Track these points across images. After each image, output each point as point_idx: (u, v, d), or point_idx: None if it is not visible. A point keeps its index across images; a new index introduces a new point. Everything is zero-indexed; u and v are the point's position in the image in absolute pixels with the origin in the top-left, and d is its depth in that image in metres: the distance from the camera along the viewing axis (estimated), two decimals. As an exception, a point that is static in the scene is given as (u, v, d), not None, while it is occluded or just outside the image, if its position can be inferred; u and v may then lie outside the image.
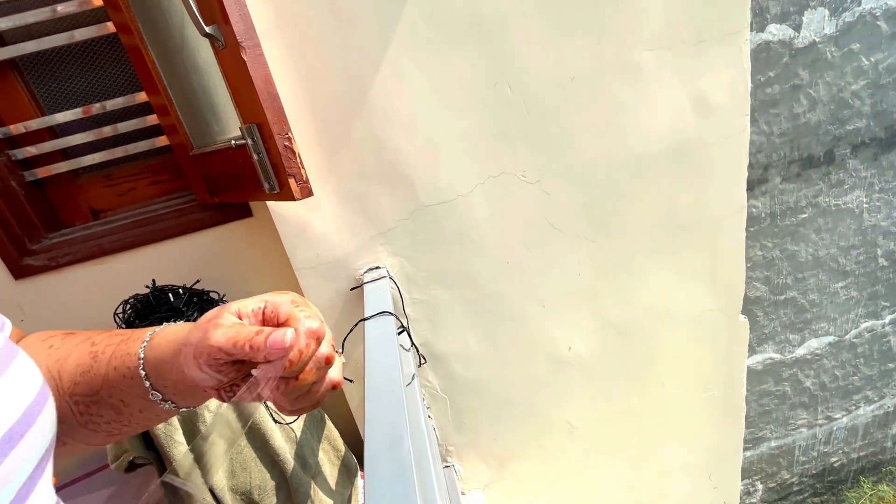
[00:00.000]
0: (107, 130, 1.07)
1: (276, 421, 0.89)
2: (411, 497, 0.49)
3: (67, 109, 1.05)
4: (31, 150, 1.05)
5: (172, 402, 0.36)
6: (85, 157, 1.08)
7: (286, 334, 0.30)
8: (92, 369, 0.35)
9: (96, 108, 1.05)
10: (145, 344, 0.36)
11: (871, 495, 2.48)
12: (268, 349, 0.30)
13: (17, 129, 1.03)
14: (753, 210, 1.79)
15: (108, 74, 1.09)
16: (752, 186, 1.75)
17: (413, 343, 0.98)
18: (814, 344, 2.11)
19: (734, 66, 0.94)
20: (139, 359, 0.35)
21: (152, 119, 1.06)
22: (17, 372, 0.26)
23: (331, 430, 1.03)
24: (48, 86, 1.08)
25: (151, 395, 0.35)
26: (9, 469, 0.24)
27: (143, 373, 0.34)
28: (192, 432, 0.83)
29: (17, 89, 1.04)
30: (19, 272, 1.03)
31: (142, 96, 1.05)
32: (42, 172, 1.07)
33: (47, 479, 0.28)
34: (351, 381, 1.00)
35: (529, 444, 1.21)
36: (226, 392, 0.34)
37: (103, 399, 0.36)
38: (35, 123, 1.04)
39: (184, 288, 0.86)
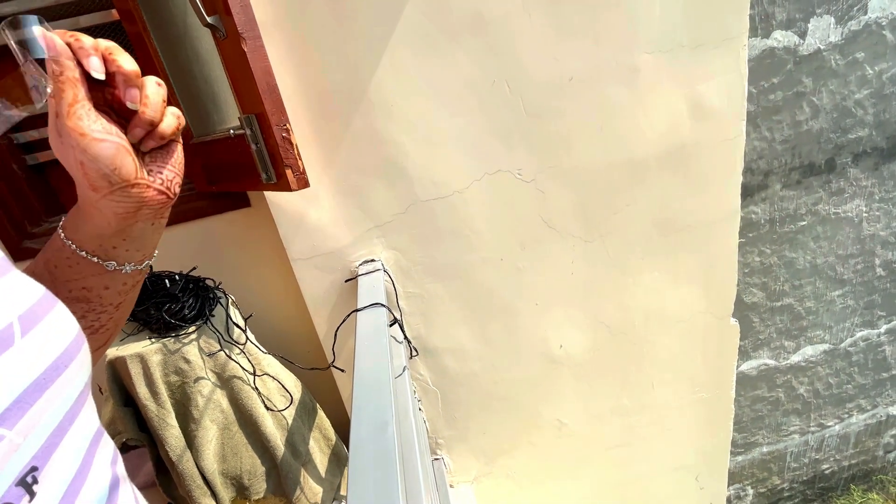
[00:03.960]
0: (109, 116, 1.08)
1: (267, 408, 0.90)
2: (393, 482, 0.50)
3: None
4: (33, 135, 1.06)
5: (130, 263, 0.38)
6: (87, 142, 1.09)
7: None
8: (34, 278, 0.37)
9: (99, 94, 1.06)
10: (62, 225, 0.38)
11: (860, 503, 2.49)
12: (78, 50, 0.31)
13: (20, 113, 1.04)
14: (753, 216, 1.79)
15: (112, 61, 1.10)
16: (752, 193, 1.76)
17: (405, 335, 0.99)
18: (809, 351, 2.12)
19: (731, 72, 0.95)
20: (64, 240, 0.37)
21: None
22: (58, 315, 0.30)
23: (322, 419, 1.04)
24: (52, 71, 1.09)
25: (106, 265, 0.37)
26: (56, 392, 0.27)
27: (74, 247, 0.36)
28: (185, 415, 0.84)
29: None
30: (18, 254, 1.05)
31: (144, 83, 1.05)
32: (43, 157, 1.08)
33: (86, 413, 0.30)
34: (342, 370, 1.01)
35: (519, 440, 1.23)
36: (155, 187, 0.36)
37: (64, 296, 0.37)
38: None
39: (180, 274, 0.88)
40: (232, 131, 0.79)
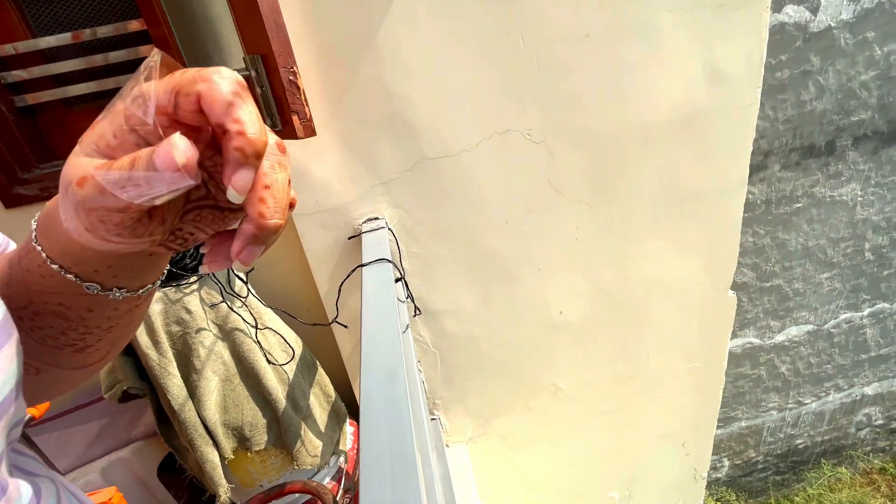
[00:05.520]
0: (97, 59, 1.02)
1: (269, 362, 0.90)
2: (406, 427, 0.50)
3: (58, 33, 1.00)
4: (22, 75, 1.01)
5: (121, 288, 0.28)
6: (76, 85, 1.04)
7: (174, 145, 0.19)
8: (11, 277, 0.28)
9: (87, 33, 1.01)
10: (37, 217, 0.26)
11: (829, 476, 2.61)
12: (163, 173, 0.19)
13: (6, 50, 0.98)
14: (750, 196, 1.80)
15: (102, -1, 1.04)
16: (750, 172, 1.76)
17: (409, 293, 0.98)
18: (793, 331, 2.17)
19: (752, 35, 0.92)
20: (34, 244, 0.26)
21: (146, 50, 1.02)
22: None
23: (322, 376, 1.05)
24: (40, 6, 1.02)
25: (87, 287, 0.26)
26: None
27: (50, 263, 0.26)
28: (187, 366, 0.83)
29: (6, 7, 0.99)
30: (10, 201, 1.01)
31: (134, 25, 1.00)
32: (32, 99, 1.03)
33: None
34: (345, 326, 1.01)
35: (514, 403, 1.25)
36: (170, 246, 0.26)
37: (40, 308, 0.28)
38: (24, 46, 0.99)
39: (180, 224, 0.85)
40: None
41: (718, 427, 2.41)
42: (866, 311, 2.26)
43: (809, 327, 2.26)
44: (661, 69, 0.93)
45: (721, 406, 2.23)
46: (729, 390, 2.34)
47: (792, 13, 1.58)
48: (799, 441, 2.61)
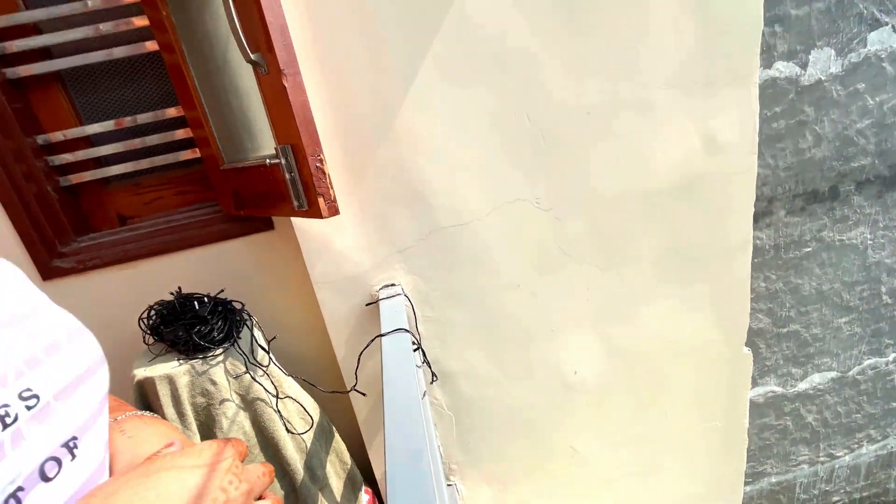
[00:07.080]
0: (136, 142, 1.12)
1: (288, 431, 0.90)
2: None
3: (104, 121, 1.11)
4: (68, 158, 1.10)
5: None
6: (115, 166, 1.13)
7: None
8: None
9: (128, 120, 1.11)
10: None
11: (872, 536, 2.42)
12: None
13: (56, 136, 1.08)
14: (758, 241, 1.81)
15: (143, 89, 1.15)
16: (756, 218, 1.78)
17: (426, 359, 1.00)
18: (816, 379, 2.10)
19: (743, 108, 0.98)
20: None
21: (179, 133, 1.11)
22: (84, 338, 0.36)
23: (338, 442, 1.04)
24: (88, 97, 1.13)
25: None
26: (86, 394, 0.33)
27: None
28: (209, 437, 0.85)
29: (59, 100, 1.10)
30: (48, 273, 1.07)
31: (171, 112, 1.10)
32: (75, 179, 1.12)
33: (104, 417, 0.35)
34: (364, 394, 1.02)
35: (532, 467, 1.22)
36: None
37: None
38: (73, 133, 1.09)
39: (209, 297, 0.89)
40: (268, 161, 0.82)
41: (747, 483, 2.28)
42: (891, 357, 2.19)
43: (833, 374, 2.19)
44: (660, 141, 0.99)
45: (748, 460, 2.13)
46: (755, 443, 2.24)
47: (782, 68, 1.66)
48: (835, 498, 2.45)
